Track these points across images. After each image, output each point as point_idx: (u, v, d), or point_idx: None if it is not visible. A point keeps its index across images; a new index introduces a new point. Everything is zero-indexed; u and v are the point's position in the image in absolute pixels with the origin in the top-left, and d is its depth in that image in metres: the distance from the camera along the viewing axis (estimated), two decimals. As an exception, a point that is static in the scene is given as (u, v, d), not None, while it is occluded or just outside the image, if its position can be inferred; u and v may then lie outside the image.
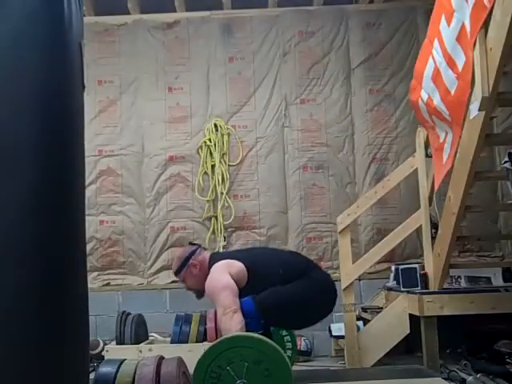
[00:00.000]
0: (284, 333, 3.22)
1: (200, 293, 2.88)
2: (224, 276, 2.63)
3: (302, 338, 4.51)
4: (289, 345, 3.23)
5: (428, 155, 3.72)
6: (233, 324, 2.45)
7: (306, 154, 5.01)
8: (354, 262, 4.04)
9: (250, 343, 2.19)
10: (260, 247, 3.07)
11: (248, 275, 2.69)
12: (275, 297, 2.67)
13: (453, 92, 2.70)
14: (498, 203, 4.90)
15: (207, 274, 2.73)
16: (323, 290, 2.80)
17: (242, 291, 2.62)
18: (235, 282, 2.61)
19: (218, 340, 2.28)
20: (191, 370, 2.44)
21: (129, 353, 3.77)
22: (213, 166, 4.94)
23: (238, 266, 2.70)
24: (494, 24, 2.31)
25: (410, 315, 3.74)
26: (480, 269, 4.02)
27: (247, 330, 2.48)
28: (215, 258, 2.85)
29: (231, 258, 2.78)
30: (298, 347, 4.43)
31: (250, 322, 2.54)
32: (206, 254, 2.92)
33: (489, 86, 2.38)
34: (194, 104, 5.08)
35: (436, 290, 3.61)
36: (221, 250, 4.82)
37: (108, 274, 4.90)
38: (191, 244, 3.05)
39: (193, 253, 2.89)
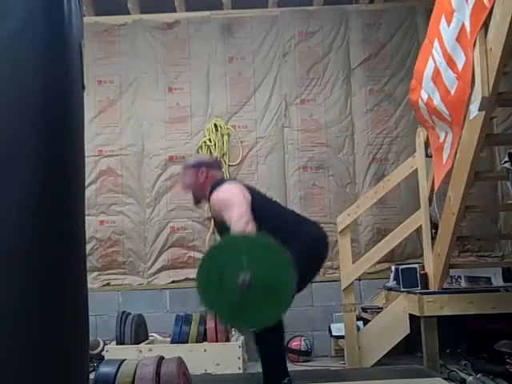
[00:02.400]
0: None
1: (197, 199, 2.94)
2: (240, 193, 2.63)
3: (302, 338, 4.51)
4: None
5: (428, 155, 3.72)
6: (248, 229, 2.41)
7: (306, 154, 5.01)
8: (353, 262, 4.04)
9: (252, 243, 2.20)
10: (269, 197, 3.05)
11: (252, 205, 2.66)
12: None
13: (453, 92, 2.71)
14: (498, 203, 4.90)
15: (207, 188, 2.77)
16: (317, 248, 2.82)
17: None
18: None
19: (218, 243, 2.28)
20: (191, 370, 2.44)
21: (129, 353, 3.78)
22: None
23: (248, 194, 2.68)
24: (494, 24, 2.31)
25: (410, 315, 3.74)
26: (480, 269, 4.02)
27: None
28: (225, 180, 2.88)
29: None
30: (298, 347, 4.44)
31: None
32: (217, 173, 2.94)
33: (489, 86, 2.38)
34: (193, 104, 5.08)
35: (436, 290, 3.61)
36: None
37: (108, 274, 4.90)
38: (214, 157, 3.04)
39: (210, 164, 2.92)
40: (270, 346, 2.63)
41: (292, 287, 2.17)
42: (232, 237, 2.33)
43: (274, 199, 3.05)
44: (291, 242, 2.46)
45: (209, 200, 2.77)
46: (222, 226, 2.72)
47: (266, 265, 2.15)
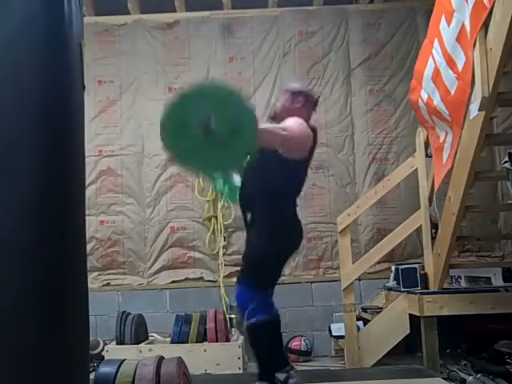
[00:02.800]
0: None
1: (275, 117, 2.80)
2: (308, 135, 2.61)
3: (302, 338, 4.51)
4: None
5: (428, 155, 3.72)
6: (272, 135, 2.39)
7: (306, 154, 5.00)
8: (353, 262, 4.04)
9: (214, 91, 2.20)
10: None
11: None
12: (249, 261, 2.66)
13: (453, 92, 2.71)
14: (498, 203, 4.90)
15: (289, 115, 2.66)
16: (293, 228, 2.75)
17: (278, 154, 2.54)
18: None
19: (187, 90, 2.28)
20: (191, 370, 2.44)
21: (129, 353, 3.78)
22: (213, 166, 4.93)
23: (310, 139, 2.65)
24: (494, 24, 2.31)
25: (410, 315, 3.74)
26: (480, 269, 4.02)
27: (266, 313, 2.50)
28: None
29: None
30: (298, 347, 4.44)
31: (256, 306, 2.52)
32: (307, 114, 2.79)
33: (489, 86, 2.38)
34: (194, 104, 5.07)
35: (436, 290, 3.61)
36: (221, 251, 4.83)
37: (108, 274, 4.90)
38: (317, 99, 2.95)
39: (308, 98, 2.81)
40: (262, 342, 2.59)
41: (254, 131, 2.14)
42: (198, 86, 2.29)
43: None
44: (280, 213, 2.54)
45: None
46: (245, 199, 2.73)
47: (230, 110, 2.13)
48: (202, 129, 2.13)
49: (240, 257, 4.83)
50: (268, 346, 2.60)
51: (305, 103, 2.78)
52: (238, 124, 2.12)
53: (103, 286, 4.87)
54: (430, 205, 3.82)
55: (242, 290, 2.60)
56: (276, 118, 2.79)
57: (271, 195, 2.63)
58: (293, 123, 2.54)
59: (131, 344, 4.04)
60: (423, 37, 3.36)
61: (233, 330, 4.43)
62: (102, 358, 3.92)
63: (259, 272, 2.58)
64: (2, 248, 1.28)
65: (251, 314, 2.52)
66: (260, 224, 2.66)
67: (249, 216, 2.74)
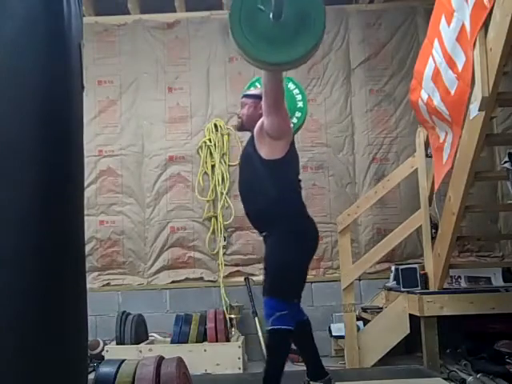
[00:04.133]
0: (292, 87, 3.21)
1: (243, 127, 2.97)
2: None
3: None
4: (299, 97, 3.19)
5: (428, 155, 3.72)
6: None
7: (306, 154, 5.01)
8: (353, 262, 4.04)
9: None
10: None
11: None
12: (270, 275, 2.66)
13: (453, 92, 2.71)
14: (498, 203, 4.90)
15: (257, 120, 2.77)
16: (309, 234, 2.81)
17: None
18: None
19: None
20: (191, 370, 2.44)
21: (129, 353, 3.78)
22: (213, 166, 4.94)
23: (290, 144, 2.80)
24: (494, 24, 2.31)
25: (410, 315, 3.74)
26: (480, 269, 4.02)
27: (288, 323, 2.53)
28: None
29: None
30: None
31: (286, 314, 2.54)
32: None
33: (489, 86, 2.38)
34: (194, 104, 5.08)
35: (436, 290, 3.61)
36: (221, 251, 4.83)
37: (108, 274, 4.90)
38: None
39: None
40: (277, 350, 2.62)
41: (323, 12, 2.25)
42: None
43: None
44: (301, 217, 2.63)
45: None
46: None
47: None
48: (271, 15, 2.12)
49: (240, 257, 4.89)
50: (283, 354, 2.63)
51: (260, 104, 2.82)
52: (307, 13, 2.21)
53: (103, 286, 4.87)
54: (430, 205, 3.82)
55: (269, 300, 2.60)
56: (243, 128, 2.94)
57: (278, 212, 2.67)
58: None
59: (131, 344, 4.04)
60: (423, 37, 3.36)
61: (232, 330, 4.43)
62: (102, 358, 3.92)
63: (284, 284, 2.61)
64: (1, 248, 1.28)
65: (276, 321, 2.54)
66: (277, 239, 2.66)
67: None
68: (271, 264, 2.68)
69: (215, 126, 4.99)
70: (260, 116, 2.75)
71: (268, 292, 2.60)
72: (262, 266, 4.89)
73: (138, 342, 4.09)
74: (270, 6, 2.12)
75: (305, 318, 2.82)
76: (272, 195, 2.67)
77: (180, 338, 4.08)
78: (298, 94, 3.18)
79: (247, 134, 4.99)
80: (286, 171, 2.75)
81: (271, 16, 2.13)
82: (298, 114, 3.16)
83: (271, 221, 2.67)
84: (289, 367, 2.77)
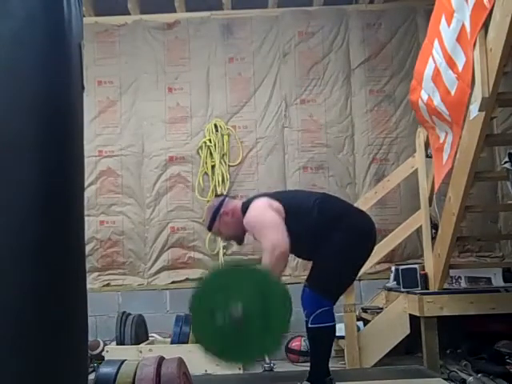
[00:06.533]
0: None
1: (239, 239, 2.84)
2: (268, 211, 2.56)
3: (302, 339, 4.50)
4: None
5: (428, 156, 3.72)
6: (279, 266, 2.40)
7: (306, 155, 5.01)
8: (354, 263, 4.03)
9: (246, 274, 2.17)
10: (293, 190, 3.03)
11: (285, 216, 2.61)
12: (324, 272, 2.66)
13: (453, 92, 2.71)
14: (498, 203, 4.90)
15: (241, 220, 2.66)
16: (361, 237, 2.74)
17: None
18: None
19: (209, 273, 2.24)
20: (191, 371, 2.44)
21: (129, 353, 3.78)
22: (213, 167, 4.94)
23: (276, 204, 2.62)
24: (494, 24, 2.31)
25: (410, 315, 3.74)
26: (480, 269, 4.01)
27: (331, 319, 2.56)
28: (249, 200, 2.76)
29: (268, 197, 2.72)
30: (298, 347, 4.43)
31: (328, 310, 2.58)
32: (236, 202, 2.84)
33: (489, 86, 2.38)
34: (194, 104, 5.08)
35: (436, 290, 3.61)
36: (221, 251, 4.83)
37: (108, 275, 4.90)
38: (217, 196, 2.98)
39: (222, 202, 2.80)
40: (323, 345, 2.68)
41: (287, 319, 2.16)
42: (226, 269, 2.30)
43: (304, 194, 3.00)
44: (333, 232, 2.57)
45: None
46: None
47: (261, 297, 2.12)
48: (230, 320, 2.08)
49: (240, 257, 4.87)
50: (326, 350, 2.70)
51: (227, 206, 2.78)
52: (271, 312, 2.09)
53: (103, 286, 4.86)
54: (430, 205, 3.82)
55: (311, 294, 2.63)
56: (237, 237, 2.85)
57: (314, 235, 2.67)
58: (259, 225, 2.55)
59: (131, 344, 4.04)
60: (423, 37, 3.36)
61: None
62: (102, 358, 3.92)
63: (337, 286, 2.68)
64: (1, 248, 1.28)
65: (318, 319, 2.59)
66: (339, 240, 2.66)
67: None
68: (326, 270, 2.67)
69: (215, 126, 4.99)
70: (233, 222, 2.73)
71: (314, 287, 2.63)
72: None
73: (138, 343, 4.09)
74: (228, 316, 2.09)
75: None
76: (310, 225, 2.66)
77: (180, 339, 4.07)
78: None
79: (247, 135, 5.03)
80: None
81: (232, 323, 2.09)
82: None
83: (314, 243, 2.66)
84: (289, 367, 2.77)
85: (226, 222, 2.76)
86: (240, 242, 2.89)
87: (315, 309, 2.59)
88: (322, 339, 2.65)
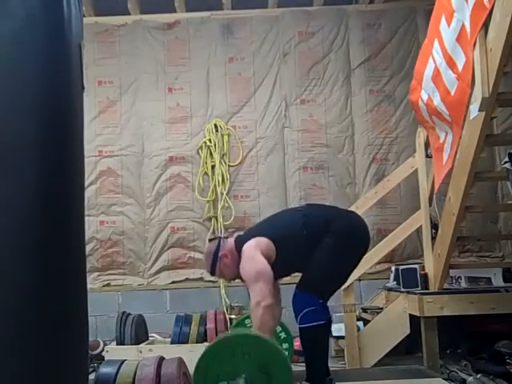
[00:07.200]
0: (281, 332, 3.24)
1: (236, 276, 2.82)
2: (257, 257, 2.59)
3: (302, 339, 4.50)
4: (285, 345, 3.24)
5: (428, 156, 3.72)
6: (263, 320, 2.43)
7: (306, 155, 5.01)
8: (354, 263, 4.03)
9: (247, 341, 2.18)
10: (277, 213, 3.04)
11: (276, 247, 2.66)
12: (311, 272, 2.66)
13: (453, 92, 2.70)
14: (498, 203, 4.90)
15: (239, 259, 2.68)
16: (349, 236, 2.74)
17: (274, 263, 2.61)
18: (267, 258, 2.59)
19: (216, 340, 2.26)
20: (191, 371, 2.44)
21: (129, 353, 3.77)
22: (213, 167, 4.94)
23: (265, 242, 2.65)
24: (494, 24, 2.31)
25: (410, 315, 3.74)
26: (480, 269, 4.01)
27: (319, 317, 2.57)
28: (241, 240, 2.78)
29: (255, 235, 2.73)
30: (298, 348, 4.42)
31: (315, 309, 2.57)
32: (231, 241, 2.85)
33: (489, 86, 2.38)
34: (194, 104, 5.08)
35: (436, 290, 3.61)
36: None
37: (108, 275, 4.90)
38: (210, 240, 3.00)
39: (218, 246, 2.82)
40: (316, 344, 2.69)
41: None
42: (227, 337, 2.31)
43: (290, 214, 3.01)
44: (326, 237, 2.60)
45: None
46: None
47: (262, 365, 2.13)
48: None
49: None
50: (320, 349, 2.71)
51: (223, 248, 2.79)
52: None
53: (103, 286, 4.87)
54: (430, 205, 3.82)
55: (299, 294, 2.63)
56: (230, 279, 2.89)
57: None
58: (250, 275, 2.56)
59: (131, 344, 4.03)
60: (423, 37, 3.36)
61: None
62: (102, 358, 3.92)
63: (324, 285, 2.66)
64: (2, 248, 1.28)
65: (305, 318, 2.59)
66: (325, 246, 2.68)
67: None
68: (319, 267, 2.67)
69: (215, 126, 4.99)
70: (230, 264, 2.75)
71: (303, 286, 2.63)
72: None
73: (138, 343, 4.08)
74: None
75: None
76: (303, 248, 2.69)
77: (180, 339, 4.07)
78: (284, 343, 3.26)
79: (247, 135, 5.03)
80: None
81: None
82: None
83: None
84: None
85: (227, 264, 2.78)
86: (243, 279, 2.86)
87: (302, 308, 2.59)
88: (313, 338, 2.66)
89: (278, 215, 3.00)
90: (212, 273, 2.85)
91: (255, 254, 2.61)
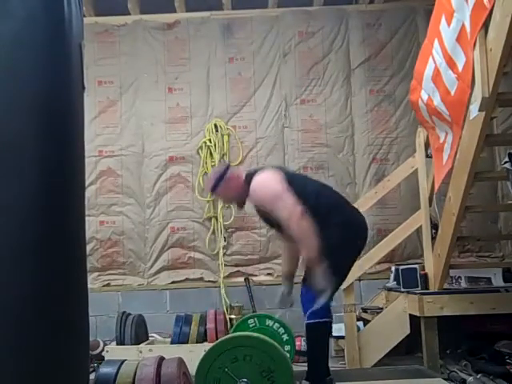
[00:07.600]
0: (283, 334, 3.24)
1: (240, 202, 2.87)
2: (278, 180, 2.61)
3: (302, 339, 4.50)
4: (287, 347, 3.25)
5: (428, 156, 3.72)
6: (311, 228, 2.47)
7: (306, 155, 5.01)
8: (354, 263, 4.03)
9: (250, 343, 2.18)
10: (296, 173, 3.06)
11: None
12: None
13: (453, 92, 2.70)
14: (498, 203, 4.90)
15: (243, 187, 2.71)
16: (356, 233, 2.79)
17: None
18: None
19: (218, 341, 2.26)
20: (191, 371, 2.44)
21: (129, 353, 3.77)
22: (213, 167, 4.94)
23: (281, 176, 2.67)
24: (494, 24, 2.31)
25: (411, 315, 3.74)
26: (480, 269, 4.01)
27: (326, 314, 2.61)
28: (251, 172, 2.81)
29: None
30: (299, 347, 4.43)
31: (322, 307, 2.60)
32: (240, 170, 2.89)
33: (489, 86, 2.38)
34: (194, 104, 5.08)
35: (436, 290, 3.61)
36: (221, 251, 4.83)
37: (108, 275, 4.90)
38: (225, 162, 3.02)
39: (227, 168, 2.85)
40: (319, 342, 2.71)
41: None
42: (229, 338, 2.33)
43: (309, 177, 3.01)
44: (327, 228, 2.56)
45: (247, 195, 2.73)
46: (267, 219, 2.82)
47: (264, 369, 2.17)
48: None
49: (240, 257, 4.89)
50: (323, 346, 2.73)
51: (231, 172, 2.81)
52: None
53: (103, 286, 4.87)
54: (430, 205, 3.82)
55: (307, 291, 2.66)
56: (239, 201, 2.89)
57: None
58: (271, 195, 2.59)
59: (131, 344, 4.04)
60: (423, 37, 3.36)
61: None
62: (102, 358, 3.92)
63: (330, 281, 2.64)
64: (2, 248, 1.28)
65: (314, 314, 2.63)
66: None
67: None
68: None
69: (215, 126, 4.99)
70: (239, 185, 2.76)
71: (309, 285, 2.64)
72: (261, 266, 4.93)
73: (138, 343, 4.08)
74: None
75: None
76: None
77: (180, 339, 4.07)
78: (286, 344, 3.30)
79: (247, 135, 5.03)
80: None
81: None
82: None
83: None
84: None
85: (230, 187, 2.79)
86: (241, 206, 2.93)
87: (311, 305, 2.62)
88: (318, 336, 2.69)
89: (297, 174, 2.96)
90: (212, 190, 2.85)
91: (275, 178, 2.64)
